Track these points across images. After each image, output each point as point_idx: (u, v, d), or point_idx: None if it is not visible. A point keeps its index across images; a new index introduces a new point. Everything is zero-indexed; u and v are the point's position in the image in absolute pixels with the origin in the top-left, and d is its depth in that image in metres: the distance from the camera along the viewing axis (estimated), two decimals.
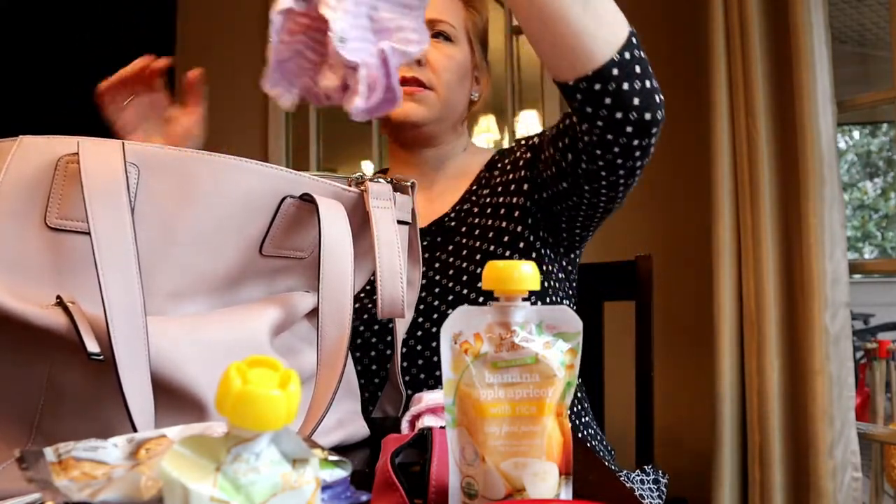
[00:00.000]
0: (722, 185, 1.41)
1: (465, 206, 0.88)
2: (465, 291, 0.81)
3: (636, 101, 0.65)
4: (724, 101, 1.42)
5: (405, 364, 0.79)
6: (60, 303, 0.41)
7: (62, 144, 0.43)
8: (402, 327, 0.67)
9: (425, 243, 0.86)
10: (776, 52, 1.35)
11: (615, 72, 0.63)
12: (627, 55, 0.64)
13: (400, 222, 0.59)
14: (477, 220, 0.86)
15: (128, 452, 0.33)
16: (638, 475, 0.87)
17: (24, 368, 0.42)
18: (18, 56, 2.27)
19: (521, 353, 0.37)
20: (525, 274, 0.38)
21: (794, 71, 1.29)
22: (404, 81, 0.83)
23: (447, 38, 0.87)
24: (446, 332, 0.38)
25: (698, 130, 1.55)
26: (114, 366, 0.39)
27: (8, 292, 0.40)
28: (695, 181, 1.59)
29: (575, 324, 0.38)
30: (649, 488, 0.86)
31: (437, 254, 0.85)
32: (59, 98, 2.25)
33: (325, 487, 0.38)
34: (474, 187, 0.90)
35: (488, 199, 0.87)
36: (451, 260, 0.84)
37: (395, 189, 0.60)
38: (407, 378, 0.78)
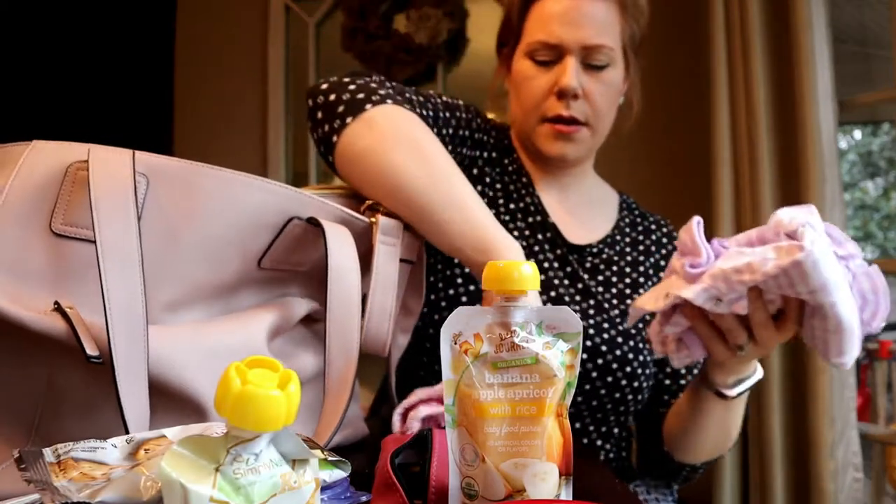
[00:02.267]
0: (722, 184, 1.41)
1: (607, 250, 0.87)
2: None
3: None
4: (725, 100, 1.42)
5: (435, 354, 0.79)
6: (58, 308, 0.41)
7: (73, 151, 0.43)
8: (396, 354, 0.67)
9: (557, 260, 0.84)
10: (777, 52, 1.35)
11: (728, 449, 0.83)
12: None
13: (403, 261, 0.58)
14: (617, 267, 0.86)
15: (127, 453, 0.33)
16: (650, 480, 0.87)
17: (24, 371, 0.43)
18: (17, 56, 2.28)
19: (521, 354, 0.37)
20: (525, 274, 0.38)
21: (795, 70, 1.28)
22: (560, 119, 0.80)
23: (604, 66, 0.81)
24: (446, 332, 0.38)
25: (698, 130, 1.55)
26: (112, 371, 0.39)
27: (7, 297, 0.40)
28: (695, 181, 1.59)
29: (575, 324, 0.38)
30: (662, 492, 0.87)
31: (562, 277, 0.83)
32: (59, 98, 2.25)
33: (325, 488, 0.38)
34: (617, 236, 0.89)
35: (638, 258, 0.88)
36: (576, 289, 0.82)
37: (406, 228, 0.59)
38: (426, 372, 0.79)
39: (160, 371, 0.42)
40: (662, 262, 0.89)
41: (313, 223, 0.51)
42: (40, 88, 2.27)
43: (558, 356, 0.37)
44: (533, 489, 0.36)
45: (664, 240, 0.93)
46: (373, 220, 0.56)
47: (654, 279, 0.87)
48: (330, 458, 0.38)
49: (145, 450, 0.33)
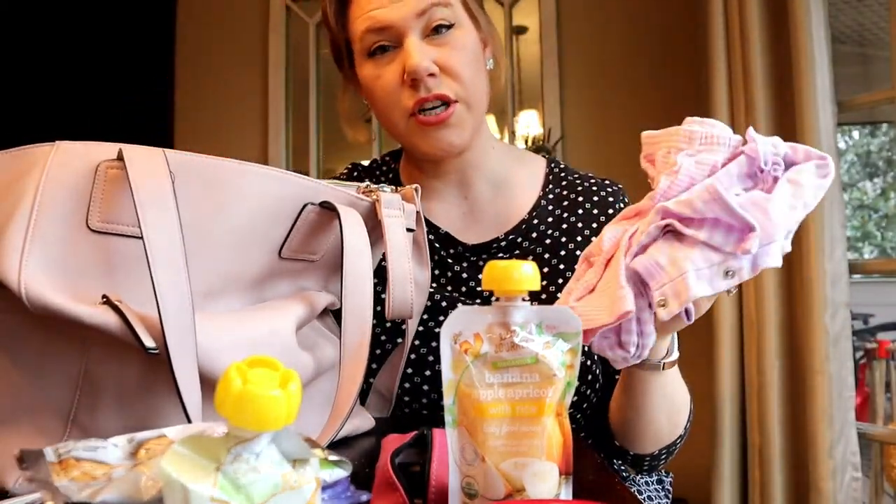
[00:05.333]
0: None
1: (518, 240, 0.79)
2: None
3: (678, 448, 0.76)
4: (725, 101, 1.42)
5: (409, 370, 0.76)
6: (108, 301, 0.42)
7: (100, 150, 0.45)
8: (411, 335, 0.67)
9: (464, 265, 0.79)
10: (776, 52, 1.35)
11: (686, 431, 0.74)
12: (690, 423, 0.75)
13: (408, 229, 0.61)
14: (533, 256, 0.77)
15: (128, 452, 0.33)
16: (642, 477, 0.87)
17: (60, 362, 0.44)
18: (17, 56, 2.27)
19: (520, 353, 0.37)
20: (525, 274, 0.38)
21: (794, 71, 1.29)
22: (425, 102, 0.70)
23: (448, 27, 0.70)
24: (446, 331, 0.38)
25: None
26: (168, 360, 0.41)
27: (61, 292, 0.42)
28: None
29: (575, 324, 0.38)
30: (655, 489, 0.86)
31: (465, 277, 0.79)
32: (58, 98, 2.25)
33: (326, 487, 0.38)
34: (535, 220, 0.80)
35: (560, 238, 0.78)
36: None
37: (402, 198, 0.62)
38: (407, 385, 0.76)
39: (205, 360, 0.44)
40: (593, 238, 0.76)
41: (327, 206, 0.53)
42: (39, 88, 2.27)
43: (558, 356, 0.37)
44: (533, 489, 0.36)
45: (595, 210, 0.79)
46: (375, 197, 0.59)
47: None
48: (330, 458, 0.38)
49: (146, 449, 0.33)
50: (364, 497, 0.40)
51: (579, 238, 0.78)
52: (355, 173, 0.89)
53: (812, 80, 1.26)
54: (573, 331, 0.38)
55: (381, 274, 0.62)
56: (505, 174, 0.82)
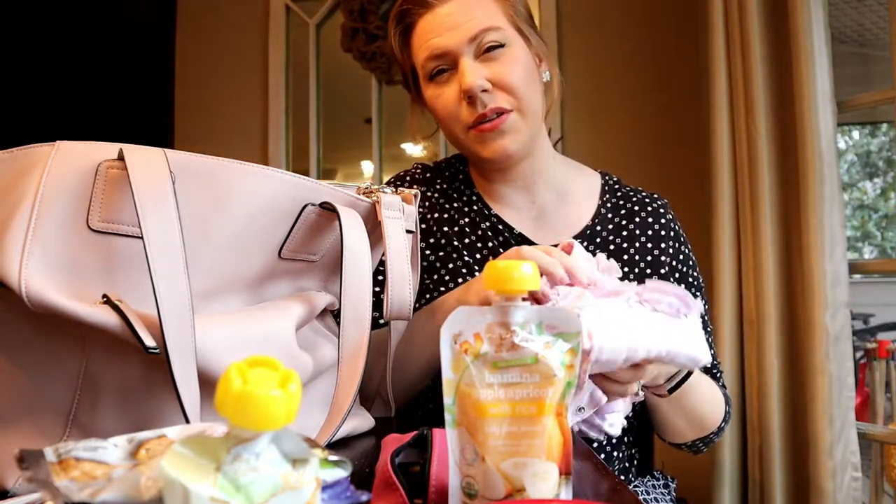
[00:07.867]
0: (722, 185, 1.41)
1: (585, 244, 0.84)
2: None
3: (717, 439, 0.87)
4: (724, 101, 1.42)
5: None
6: (108, 301, 0.42)
7: (100, 150, 0.45)
8: (395, 340, 0.68)
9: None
10: (776, 52, 1.35)
11: (721, 429, 0.85)
12: (729, 415, 0.86)
13: (407, 231, 0.62)
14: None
15: (128, 452, 0.33)
16: (649, 480, 0.87)
17: (60, 362, 0.44)
18: (16, 56, 2.27)
19: (521, 353, 0.37)
20: (525, 274, 0.38)
21: (794, 71, 1.28)
22: (483, 117, 0.78)
23: (499, 46, 0.79)
24: (446, 331, 0.38)
25: (698, 130, 1.55)
26: (167, 360, 0.41)
27: (61, 292, 0.42)
28: (694, 181, 1.59)
29: (575, 324, 0.38)
30: (661, 493, 0.86)
31: None
32: (58, 99, 2.25)
33: (325, 487, 0.38)
34: (598, 227, 0.87)
35: (622, 245, 0.86)
36: None
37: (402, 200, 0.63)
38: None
39: (205, 360, 0.44)
40: (649, 245, 0.87)
41: (327, 207, 0.54)
42: (39, 88, 2.27)
43: (558, 356, 0.37)
44: (533, 489, 0.36)
45: (650, 219, 0.89)
46: (375, 199, 0.59)
47: (640, 265, 0.85)
48: (330, 458, 0.38)
49: (146, 449, 0.33)
50: (364, 497, 0.40)
51: (637, 244, 0.87)
52: (427, 174, 0.93)
53: (812, 80, 1.26)
54: (573, 331, 0.38)
55: (378, 275, 0.63)
56: (565, 183, 0.90)
